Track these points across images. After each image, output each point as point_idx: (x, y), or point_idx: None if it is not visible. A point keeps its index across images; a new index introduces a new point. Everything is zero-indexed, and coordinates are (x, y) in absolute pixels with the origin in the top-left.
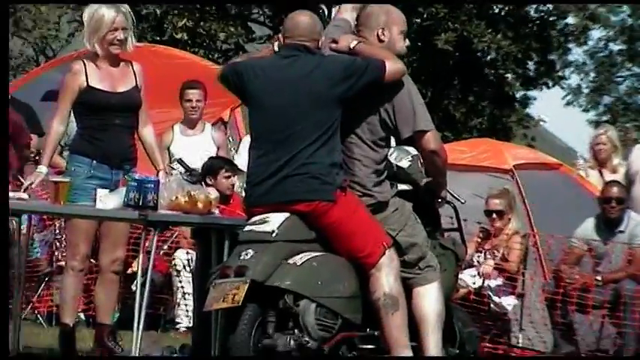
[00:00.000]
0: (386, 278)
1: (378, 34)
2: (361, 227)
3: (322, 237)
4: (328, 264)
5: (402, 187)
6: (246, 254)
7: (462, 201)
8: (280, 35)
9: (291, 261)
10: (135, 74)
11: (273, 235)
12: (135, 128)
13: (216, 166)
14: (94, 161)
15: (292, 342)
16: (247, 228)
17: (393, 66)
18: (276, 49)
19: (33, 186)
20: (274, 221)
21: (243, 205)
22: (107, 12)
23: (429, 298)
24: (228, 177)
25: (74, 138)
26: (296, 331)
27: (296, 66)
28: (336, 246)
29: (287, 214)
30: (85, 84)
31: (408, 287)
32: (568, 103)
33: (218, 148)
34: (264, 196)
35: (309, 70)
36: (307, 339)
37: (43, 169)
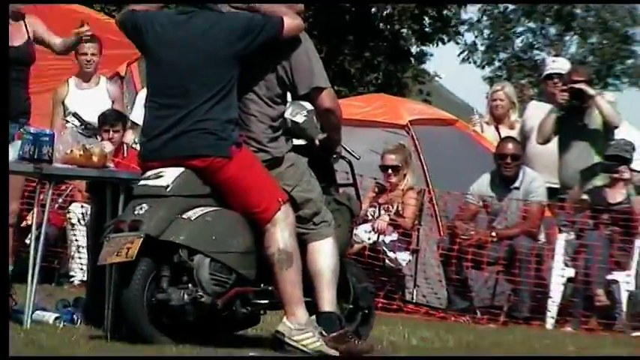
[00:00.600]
0: (281, 234)
1: None
2: (256, 183)
3: (217, 192)
4: (223, 219)
5: (297, 142)
6: (141, 209)
7: (357, 157)
8: None
9: (185, 216)
10: (26, 28)
11: (168, 189)
12: (28, 81)
13: (100, 120)
14: None
15: (186, 296)
16: (142, 182)
17: (291, 22)
18: None
19: None
20: (169, 176)
21: (138, 159)
22: None
23: (324, 254)
24: (107, 131)
25: None
26: (190, 285)
27: (194, 22)
28: (231, 201)
29: (182, 169)
30: None
31: (302, 242)
32: (464, 60)
33: (113, 102)
34: (159, 151)
35: (207, 27)
36: (201, 293)
37: None
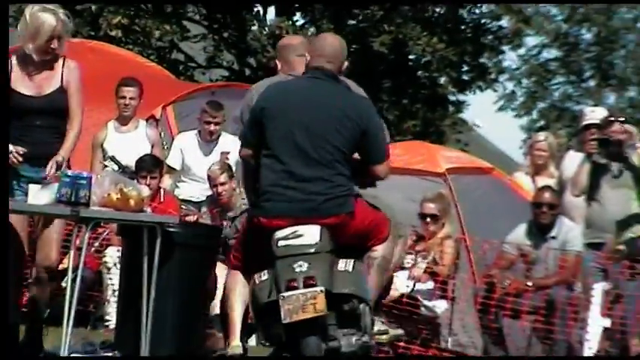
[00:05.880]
0: (390, 244)
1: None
2: (374, 217)
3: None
4: (362, 269)
5: None
6: (300, 266)
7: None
8: (306, 52)
9: (341, 269)
10: (62, 74)
11: (317, 247)
12: (61, 126)
13: (137, 166)
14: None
15: (355, 341)
16: (282, 243)
17: (385, 168)
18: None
19: None
20: (311, 233)
21: (252, 212)
22: (48, 19)
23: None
24: (144, 177)
25: None
26: (355, 331)
27: (323, 88)
28: (357, 242)
29: (318, 227)
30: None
31: None
32: (501, 109)
33: (152, 146)
34: (289, 208)
35: (335, 95)
36: (367, 339)
37: None
